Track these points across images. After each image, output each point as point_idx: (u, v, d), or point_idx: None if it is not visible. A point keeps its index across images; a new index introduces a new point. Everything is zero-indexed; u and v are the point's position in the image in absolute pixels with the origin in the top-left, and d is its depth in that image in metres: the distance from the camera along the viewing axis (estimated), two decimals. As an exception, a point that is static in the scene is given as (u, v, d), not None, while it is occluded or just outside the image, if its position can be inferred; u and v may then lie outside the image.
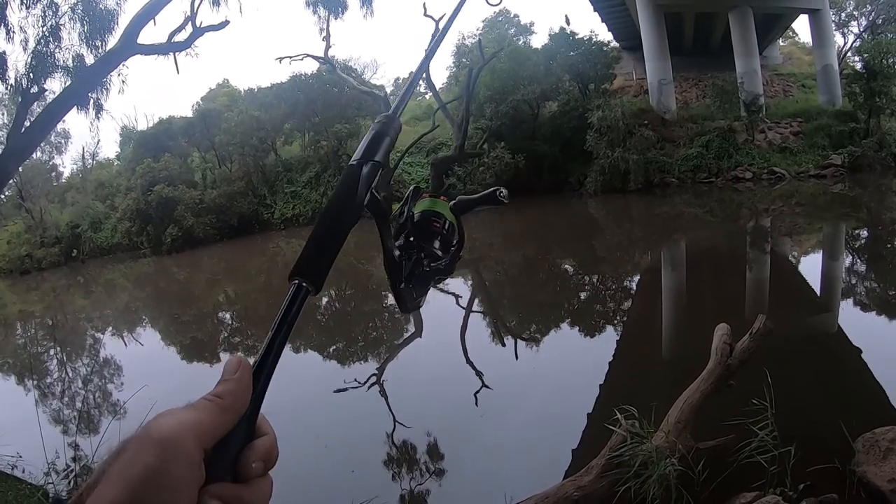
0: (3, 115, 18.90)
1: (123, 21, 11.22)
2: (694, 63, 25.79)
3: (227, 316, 12.47)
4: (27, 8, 10.53)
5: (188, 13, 12.72)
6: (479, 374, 6.01)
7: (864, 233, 11.78)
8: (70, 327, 14.18)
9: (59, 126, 25.32)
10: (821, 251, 11.20)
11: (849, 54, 24.48)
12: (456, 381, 5.98)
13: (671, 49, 22.74)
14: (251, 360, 0.47)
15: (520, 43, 27.81)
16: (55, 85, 10.99)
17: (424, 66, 0.79)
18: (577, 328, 7.89)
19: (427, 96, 26.23)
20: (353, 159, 0.58)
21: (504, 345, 7.59)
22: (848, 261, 9.90)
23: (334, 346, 8.54)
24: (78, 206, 29.51)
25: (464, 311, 9.32)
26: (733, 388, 3.62)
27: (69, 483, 4.02)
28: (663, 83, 22.48)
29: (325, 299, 10.69)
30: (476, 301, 10.14)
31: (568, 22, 25.71)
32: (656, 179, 19.98)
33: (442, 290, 8.93)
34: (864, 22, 25.65)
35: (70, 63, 11.07)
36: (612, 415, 3.31)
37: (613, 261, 12.04)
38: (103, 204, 28.04)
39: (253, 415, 0.45)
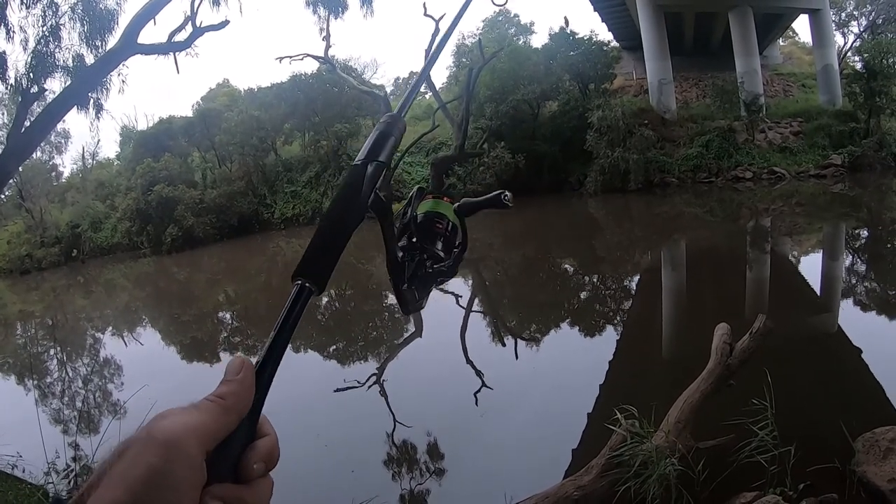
0: (3, 115, 18.93)
1: (123, 21, 11.27)
2: (694, 63, 25.77)
3: (227, 316, 12.47)
4: (27, 8, 10.56)
5: (188, 13, 12.74)
6: (479, 373, 6.00)
7: (864, 233, 11.78)
8: (70, 327, 14.18)
9: (59, 126, 25.40)
10: (821, 251, 11.20)
11: (849, 54, 24.49)
12: (456, 381, 5.97)
13: (671, 49, 22.73)
14: (253, 361, 0.47)
15: (520, 43, 27.78)
16: (55, 85, 11.03)
17: (431, 65, 0.78)
18: (577, 328, 7.89)
19: (427, 96, 26.17)
20: (357, 159, 0.57)
21: (504, 345, 7.59)
22: (848, 261, 9.89)
23: (334, 346, 8.53)
24: (78, 206, 29.50)
25: (464, 310, 9.32)
26: (733, 388, 3.62)
27: (69, 483, 4.02)
28: (663, 83, 22.47)
29: (325, 299, 10.69)
30: (476, 301, 10.14)
31: (567, 24, 25.48)
32: (656, 179, 19.96)
33: (442, 290, 8.93)
34: (864, 22, 25.69)
35: (70, 63, 11.10)
36: (612, 414, 3.31)
37: (613, 260, 12.03)
38: (103, 204, 28.04)
39: (255, 415, 0.45)
